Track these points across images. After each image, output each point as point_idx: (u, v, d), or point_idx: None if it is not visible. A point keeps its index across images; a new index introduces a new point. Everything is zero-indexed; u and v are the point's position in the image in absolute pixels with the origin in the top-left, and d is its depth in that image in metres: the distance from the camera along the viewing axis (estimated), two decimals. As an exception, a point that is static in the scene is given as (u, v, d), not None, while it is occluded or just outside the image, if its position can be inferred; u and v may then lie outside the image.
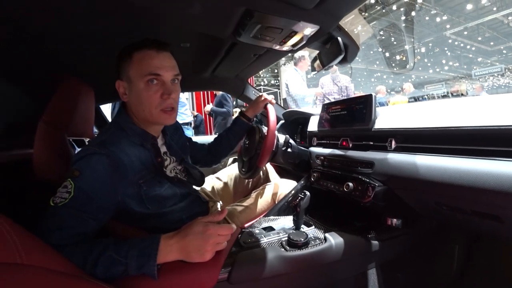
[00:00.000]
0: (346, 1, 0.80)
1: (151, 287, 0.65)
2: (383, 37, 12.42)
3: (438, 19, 12.41)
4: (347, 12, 0.87)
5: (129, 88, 0.81)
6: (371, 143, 0.98)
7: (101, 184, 0.71)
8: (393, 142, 0.89)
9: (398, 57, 12.15)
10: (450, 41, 14.30)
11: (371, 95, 0.98)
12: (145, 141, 0.84)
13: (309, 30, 0.89)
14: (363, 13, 9.91)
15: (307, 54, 3.29)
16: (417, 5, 10.78)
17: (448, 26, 12.98)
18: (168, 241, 0.66)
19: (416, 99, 6.80)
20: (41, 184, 0.89)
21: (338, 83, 3.55)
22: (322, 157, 1.23)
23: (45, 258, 0.52)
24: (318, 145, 1.30)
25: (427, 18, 12.25)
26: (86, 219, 0.67)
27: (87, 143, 1.20)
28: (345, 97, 3.45)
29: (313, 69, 1.27)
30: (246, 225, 1.13)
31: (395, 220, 1.02)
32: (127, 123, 0.84)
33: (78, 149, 1.06)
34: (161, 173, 0.86)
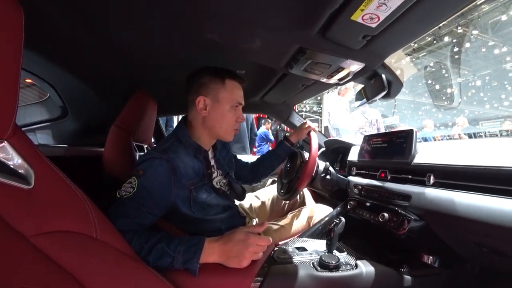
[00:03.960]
0: (390, 44, 0.85)
1: (189, 283, 0.71)
2: (433, 69, 11.87)
3: (496, 51, 11.59)
4: (391, 52, 0.92)
5: (212, 106, 0.94)
6: (410, 176, 1.00)
7: (160, 183, 0.81)
8: (432, 177, 0.91)
9: (449, 90, 11.45)
10: (511, 74, 13.18)
11: (412, 130, 1.01)
12: (198, 153, 0.94)
13: (355, 67, 0.97)
14: (412, 44, 9.62)
15: (351, 85, 3.33)
16: (472, 37, 10.18)
17: (508, 59, 12.03)
18: (212, 243, 0.74)
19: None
20: (107, 178, 1.02)
21: (369, 116, 3.53)
22: (360, 187, 1.25)
23: (114, 238, 0.61)
24: (357, 174, 1.32)
25: (483, 49, 11.51)
26: (144, 212, 0.78)
27: (145, 149, 1.35)
28: (376, 131, 3.45)
29: (357, 98, 1.33)
30: (280, 243, 1.16)
31: (431, 257, 1.00)
32: (184, 136, 0.95)
33: (138, 153, 1.18)
34: (209, 183, 0.95)
